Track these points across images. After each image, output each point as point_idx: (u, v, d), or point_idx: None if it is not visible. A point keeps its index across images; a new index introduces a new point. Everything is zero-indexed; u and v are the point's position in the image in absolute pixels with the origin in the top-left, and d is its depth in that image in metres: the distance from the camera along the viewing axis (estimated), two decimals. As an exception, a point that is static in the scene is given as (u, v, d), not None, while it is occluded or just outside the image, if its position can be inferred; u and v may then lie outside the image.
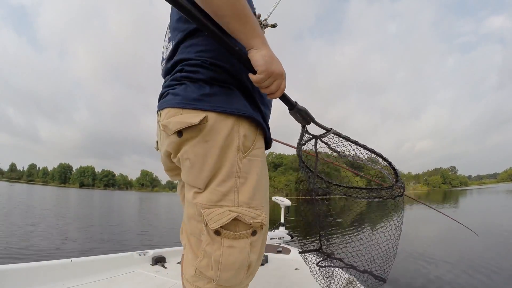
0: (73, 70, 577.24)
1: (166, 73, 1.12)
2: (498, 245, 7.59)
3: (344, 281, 2.18)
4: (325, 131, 1.29)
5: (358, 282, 2.15)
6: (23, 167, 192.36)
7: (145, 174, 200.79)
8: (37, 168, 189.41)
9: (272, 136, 1.16)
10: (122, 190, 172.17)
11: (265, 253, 3.26)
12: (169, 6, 0.99)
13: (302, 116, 1.19)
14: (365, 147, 1.36)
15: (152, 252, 2.82)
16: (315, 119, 1.23)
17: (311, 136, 1.32)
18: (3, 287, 1.78)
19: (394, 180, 1.47)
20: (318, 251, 1.72)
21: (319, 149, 1.35)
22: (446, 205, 26.25)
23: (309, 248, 1.73)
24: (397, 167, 1.46)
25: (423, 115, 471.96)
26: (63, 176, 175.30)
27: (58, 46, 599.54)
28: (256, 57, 0.91)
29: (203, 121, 0.92)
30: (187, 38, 1.04)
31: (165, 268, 2.65)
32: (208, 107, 0.94)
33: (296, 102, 1.15)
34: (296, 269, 2.87)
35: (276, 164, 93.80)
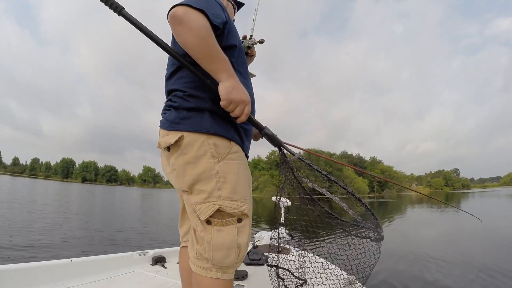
0: (75, 64, 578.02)
1: (166, 95, 1.41)
2: (499, 245, 7.60)
3: (344, 281, 2.19)
4: (292, 155, 1.45)
5: (358, 282, 2.15)
6: (26, 161, 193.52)
7: (147, 170, 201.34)
8: (40, 162, 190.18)
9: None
10: (124, 186, 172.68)
11: (265, 253, 3.27)
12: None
13: (270, 139, 1.37)
14: (328, 178, 1.47)
15: (152, 252, 2.83)
16: (284, 143, 1.43)
17: (282, 159, 1.48)
18: (3, 287, 1.79)
19: (360, 219, 1.56)
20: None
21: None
22: (449, 206, 26.25)
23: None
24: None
25: (427, 116, 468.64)
26: (65, 170, 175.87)
27: (61, 40, 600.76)
28: (220, 88, 1.16)
29: (180, 139, 1.21)
30: (178, 70, 1.33)
31: (165, 268, 2.66)
32: (184, 128, 1.22)
33: (265, 126, 1.34)
34: (296, 269, 2.88)
35: (278, 163, 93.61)
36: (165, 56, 1.41)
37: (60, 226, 9.65)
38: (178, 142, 1.21)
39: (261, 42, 1.85)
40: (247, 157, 1.42)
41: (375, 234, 1.52)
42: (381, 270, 5.56)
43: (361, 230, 1.56)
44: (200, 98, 1.25)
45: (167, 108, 1.33)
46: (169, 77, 1.37)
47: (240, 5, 1.82)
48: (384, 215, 19.28)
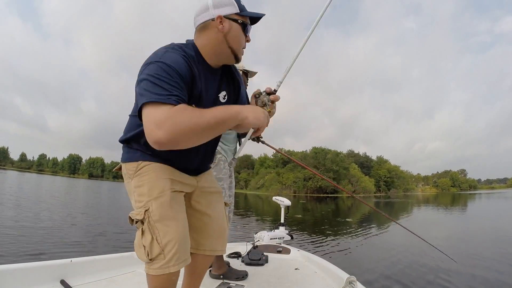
0: (79, 59, 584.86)
1: None
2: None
3: (344, 281, 2.19)
4: None
5: (358, 282, 2.16)
6: (33, 157, 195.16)
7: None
8: (47, 158, 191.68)
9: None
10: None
11: (265, 253, 3.28)
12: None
13: None
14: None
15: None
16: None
17: None
18: (3, 287, 1.81)
19: None
20: None
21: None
22: (455, 207, 26.06)
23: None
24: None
25: (436, 115, 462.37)
26: (72, 166, 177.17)
27: (63, 34, 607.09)
28: None
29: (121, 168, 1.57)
30: None
31: (165, 268, 2.66)
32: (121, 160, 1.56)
33: None
34: (296, 269, 2.89)
35: (284, 161, 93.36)
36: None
37: (64, 225, 9.65)
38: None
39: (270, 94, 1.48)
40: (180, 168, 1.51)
41: None
42: (382, 270, 5.56)
43: None
44: (123, 142, 1.52)
45: None
46: None
47: (255, 21, 1.46)
48: (390, 215, 19.21)
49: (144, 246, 1.33)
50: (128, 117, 1.50)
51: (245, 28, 1.39)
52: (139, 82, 1.19)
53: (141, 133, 1.32)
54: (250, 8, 1.41)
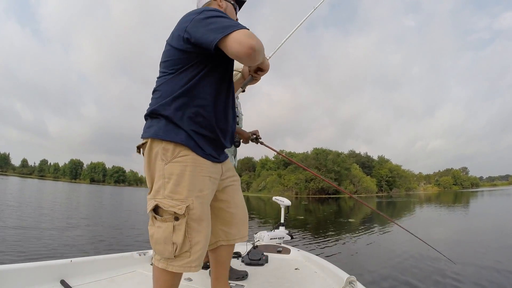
0: (78, 62, 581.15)
1: None
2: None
3: (344, 281, 2.20)
4: None
5: (358, 282, 2.16)
6: (34, 163, 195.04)
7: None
8: (49, 163, 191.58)
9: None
10: (132, 187, 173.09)
11: (265, 253, 3.28)
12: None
13: None
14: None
15: (152, 252, 2.84)
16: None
17: None
18: (3, 287, 1.82)
19: None
20: None
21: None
22: (458, 205, 25.97)
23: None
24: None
25: (437, 113, 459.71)
26: (74, 172, 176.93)
27: (62, 38, 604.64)
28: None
29: (145, 144, 1.44)
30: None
31: (166, 268, 2.67)
32: (146, 135, 1.43)
33: None
34: (296, 269, 2.89)
35: (286, 163, 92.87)
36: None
37: (64, 226, 9.66)
38: (143, 147, 1.46)
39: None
40: (216, 158, 1.54)
41: None
42: (383, 270, 5.55)
43: None
44: (159, 110, 1.42)
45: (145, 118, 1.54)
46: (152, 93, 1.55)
47: (241, 3, 1.87)
48: (393, 214, 19.18)
49: (173, 242, 1.34)
50: (154, 92, 1.50)
51: (235, 8, 1.80)
52: (203, 19, 1.34)
53: (189, 93, 1.41)
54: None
